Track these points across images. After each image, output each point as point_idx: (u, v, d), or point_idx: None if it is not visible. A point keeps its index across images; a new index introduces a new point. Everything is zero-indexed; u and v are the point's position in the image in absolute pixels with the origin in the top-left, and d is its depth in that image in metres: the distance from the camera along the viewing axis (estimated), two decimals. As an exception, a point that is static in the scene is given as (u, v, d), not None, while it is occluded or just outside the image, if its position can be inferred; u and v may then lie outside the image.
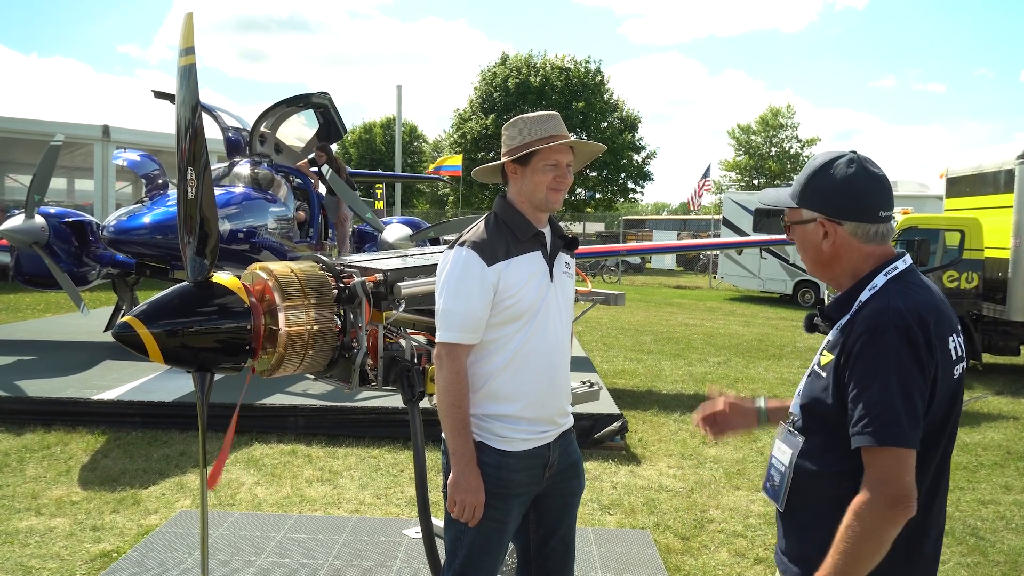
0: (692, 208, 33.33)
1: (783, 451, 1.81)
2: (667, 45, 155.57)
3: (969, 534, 4.82)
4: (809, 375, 1.81)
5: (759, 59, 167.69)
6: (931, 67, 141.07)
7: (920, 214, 11.70)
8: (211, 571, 3.64)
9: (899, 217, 10.47)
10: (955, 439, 1.76)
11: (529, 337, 2.35)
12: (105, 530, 4.40)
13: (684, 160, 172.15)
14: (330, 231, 9.98)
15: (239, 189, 8.59)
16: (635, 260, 31.20)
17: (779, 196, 1.89)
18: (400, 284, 2.86)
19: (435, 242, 8.92)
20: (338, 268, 2.94)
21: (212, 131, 7.56)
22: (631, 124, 39.77)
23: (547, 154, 2.36)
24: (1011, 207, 10.22)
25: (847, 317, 1.72)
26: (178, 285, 2.77)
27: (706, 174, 31.31)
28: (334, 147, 10.82)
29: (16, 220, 8.16)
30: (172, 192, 8.26)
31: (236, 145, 9.70)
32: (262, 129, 9.63)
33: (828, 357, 1.72)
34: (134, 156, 10.38)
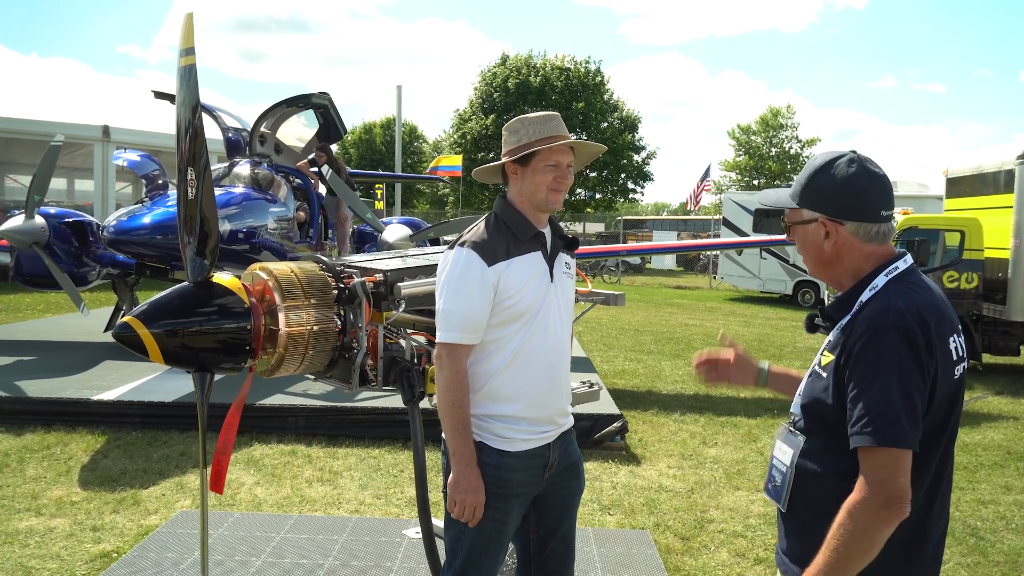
0: (690, 208, 33.34)
1: (784, 451, 1.81)
2: (667, 45, 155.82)
3: (969, 534, 4.82)
4: (810, 375, 1.81)
5: (759, 59, 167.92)
6: (931, 67, 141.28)
7: (920, 214, 11.70)
8: (211, 571, 3.65)
9: (899, 217, 10.48)
10: (956, 439, 1.76)
11: (529, 337, 2.36)
12: (105, 530, 4.40)
13: (684, 160, 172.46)
14: (330, 231, 9.98)
15: (239, 189, 8.59)
16: (635, 260, 31.20)
17: (779, 197, 1.89)
18: (400, 284, 2.86)
19: (435, 242, 8.92)
20: (338, 268, 2.94)
21: (212, 131, 7.55)
22: (631, 124, 39.76)
23: (547, 154, 2.36)
24: (1011, 207, 10.23)
25: (848, 317, 1.72)
26: (178, 285, 2.77)
27: (706, 175, 31.30)
28: (334, 147, 10.82)
29: (16, 220, 8.16)
30: (172, 192, 8.26)
31: (236, 145, 9.70)
32: (262, 129, 9.63)
33: (829, 357, 1.72)
34: (134, 156, 10.37)
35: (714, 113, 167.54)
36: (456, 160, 27.52)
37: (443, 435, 2.34)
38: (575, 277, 2.65)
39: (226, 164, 9.23)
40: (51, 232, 8.20)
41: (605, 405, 6.32)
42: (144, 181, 9.91)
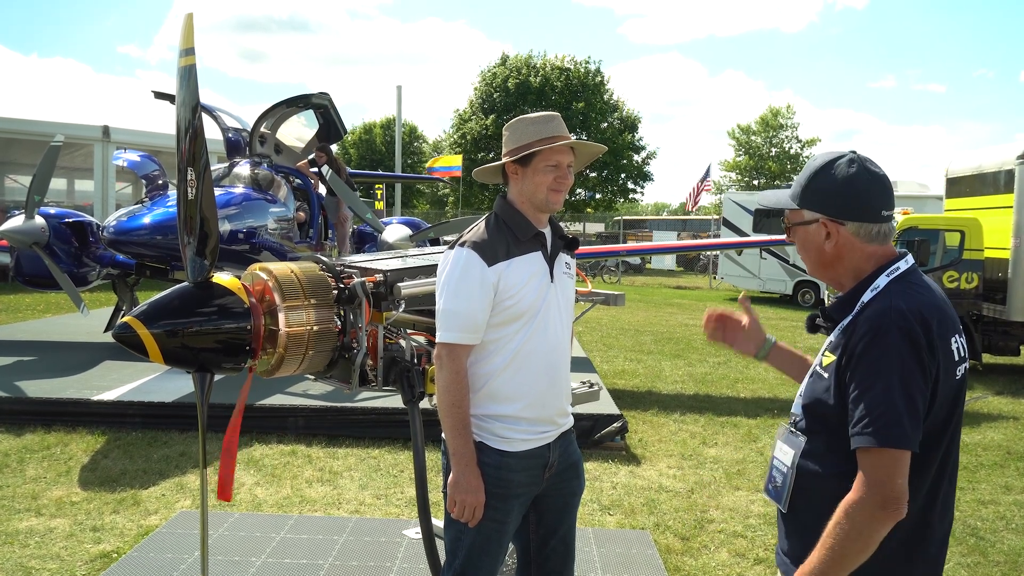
0: (689, 209, 33.35)
1: (785, 452, 1.80)
2: (667, 45, 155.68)
3: (969, 534, 4.82)
4: (811, 376, 1.80)
5: (759, 59, 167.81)
6: (931, 67, 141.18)
7: (920, 214, 11.71)
8: (211, 572, 3.64)
9: (899, 217, 10.48)
10: (959, 440, 1.76)
11: (529, 337, 2.36)
12: (105, 531, 4.40)
13: (684, 160, 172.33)
14: (330, 231, 9.98)
15: (239, 190, 8.59)
16: (635, 260, 31.20)
17: (779, 197, 1.88)
18: (400, 284, 2.86)
19: (435, 242, 8.92)
20: (338, 268, 2.94)
21: (212, 132, 7.56)
22: (631, 124, 39.78)
23: (548, 155, 2.36)
24: (1011, 207, 10.23)
25: (849, 318, 1.72)
26: (178, 286, 2.77)
27: (706, 175, 31.33)
28: (334, 147, 10.82)
29: (16, 221, 8.16)
30: (172, 193, 8.26)
31: (236, 146, 9.70)
32: (262, 130, 9.63)
33: (830, 358, 1.72)
34: (134, 156, 10.37)
35: (714, 113, 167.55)
36: (455, 160, 27.53)
37: (443, 435, 2.34)
38: (575, 277, 2.65)
39: (226, 164, 9.23)
40: (51, 232, 8.20)
41: (605, 405, 6.32)
42: (144, 181, 9.90)
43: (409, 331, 3.03)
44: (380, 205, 24.42)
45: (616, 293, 4.75)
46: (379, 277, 2.88)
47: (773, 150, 43.57)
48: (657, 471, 5.81)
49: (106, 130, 18.69)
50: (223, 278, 2.77)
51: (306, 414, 6.29)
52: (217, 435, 5.96)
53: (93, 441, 5.94)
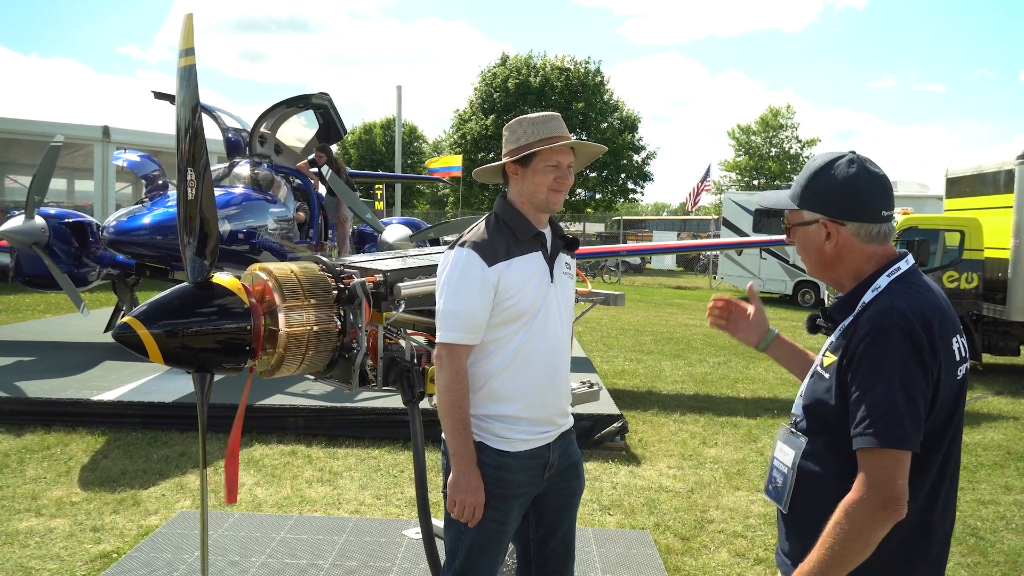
0: (689, 209, 33.37)
1: (785, 452, 1.80)
2: (667, 45, 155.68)
3: (969, 534, 4.82)
4: (811, 376, 1.80)
5: (759, 59, 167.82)
6: (931, 67, 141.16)
7: (920, 214, 11.71)
8: (211, 572, 3.65)
9: (899, 217, 10.48)
10: (960, 440, 1.75)
11: (529, 337, 2.36)
12: (105, 531, 4.40)
13: (684, 160, 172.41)
14: (330, 232, 9.98)
15: (239, 190, 8.59)
16: (635, 260, 31.20)
17: (779, 198, 1.88)
18: (400, 285, 2.86)
19: (435, 243, 8.92)
20: (338, 269, 2.94)
21: (212, 132, 7.56)
22: (631, 124, 39.79)
23: (548, 155, 2.37)
24: (1011, 207, 10.23)
25: (850, 318, 1.72)
26: (178, 286, 2.77)
27: (706, 175, 31.33)
28: (334, 148, 10.82)
29: (16, 221, 8.16)
30: (172, 193, 8.26)
31: (236, 146, 9.70)
32: (262, 130, 9.63)
33: (831, 358, 1.72)
34: (134, 157, 10.37)
35: (714, 113, 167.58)
36: (455, 160, 27.54)
37: (443, 435, 2.34)
38: (575, 277, 2.65)
39: (226, 164, 9.23)
40: (51, 232, 8.20)
41: (605, 405, 6.32)
42: (144, 181, 9.90)
43: (409, 331, 3.03)
44: (380, 205, 24.43)
45: (616, 293, 4.75)
46: (379, 277, 2.88)
47: (773, 150, 43.58)
48: (657, 471, 5.80)
49: (106, 130, 18.69)
50: (223, 278, 2.77)
51: (306, 414, 6.29)
52: (217, 435, 5.98)
53: (93, 441, 5.94)
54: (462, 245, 2.34)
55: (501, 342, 2.35)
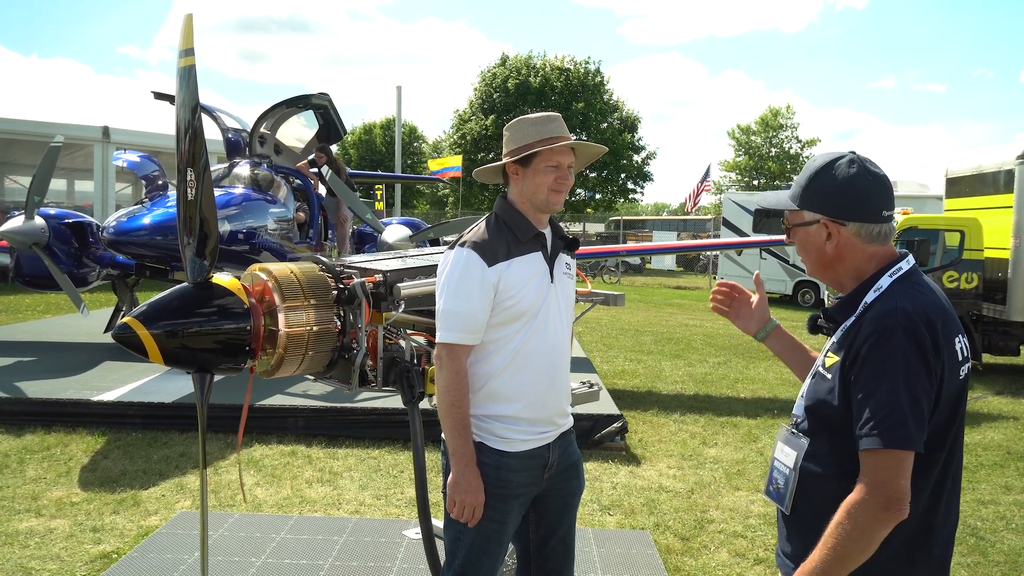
0: (688, 210, 33.38)
1: (786, 453, 1.80)
2: (667, 45, 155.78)
3: (969, 534, 4.82)
4: (813, 376, 1.80)
5: (759, 59, 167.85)
6: (931, 67, 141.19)
7: (920, 214, 11.71)
8: (211, 572, 3.65)
9: (899, 217, 10.48)
10: (962, 440, 1.75)
11: (529, 338, 2.36)
12: (105, 531, 4.40)
13: (684, 160, 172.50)
14: (330, 232, 9.98)
15: (239, 190, 8.59)
16: (635, 261, 31.20)
17: (779, 198, 1.88)
18: (400, 285, 2.86)
19: (435, 243, 8.92)
20: (338, 269, 2.93)
21: (212, 132, 7.57)
22: (631, 124, 39.80)
23: (549, 155, 2.37)
24: (1011, 207, 10.23)
25: (852, 319, 1.72)
26: (178, 286, 2.76)
27: (706, 175, 31.33)
28: (334, 148, 10.82)
29: (16, 221, 8.16)
30: (172, 193, 8.26)
31: (236, 146, 9.70)
32: (262, 130, 9.63)
33: (833, 359, 1.71)
34: (134, 157, 10.37)
35: (714, 113, 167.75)
36: (455, 161, 27.54)
37: (443, 435, 2.34)
38: (575, 278, 2.65)
39: (226, 165, 9.23)
40: (51, 233, 8.20)
41: (605, 405, 6.32)
42: (144, 182, 9.91)
43: (409, 331, 3.03)
44: (380, 205, 24.42)
45: (616, 293, 4.76)
46: (379, 277, 2.88)
47: (773, 150, 43.60)
48: (657, 471, 5.80)
49: (106, 131, 18.68)
50: (223, 279, 2.76)
51: (306, 414, 6.29)
52: (217, 435, 5.98)
53: (93, 442, 5.94)
54: (462, 245, 2.34)
55: (501, 342, 2.35)
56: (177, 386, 6.72)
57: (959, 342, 1.69)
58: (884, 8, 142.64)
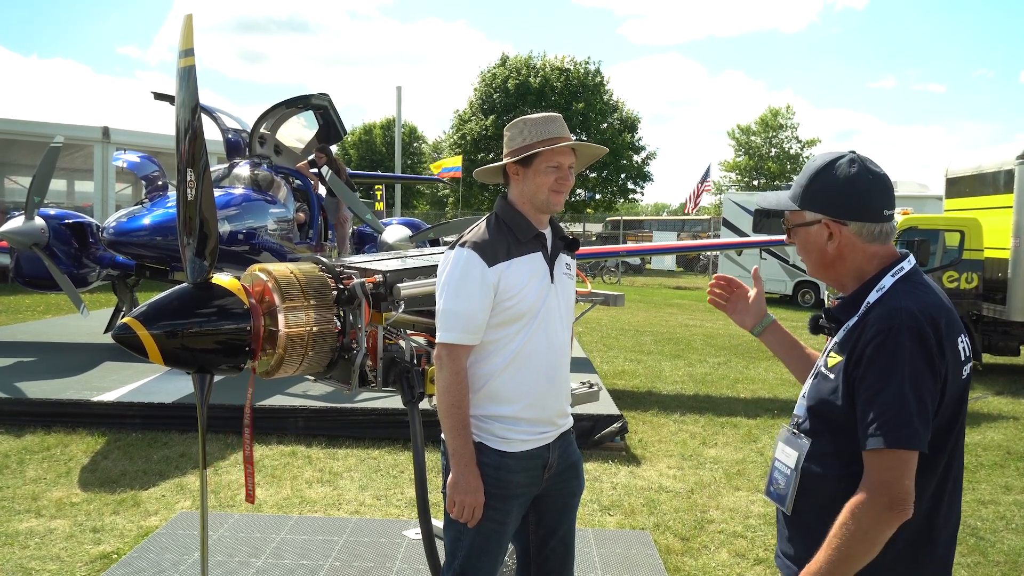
0: (688, 211, 33.40)
1: (788, 454, 1.79)
2: (667, 45, 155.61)
3: (969, 534, 4.82)
4: (815, 376, 1.80)
5: (759, 59, 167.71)
6: (931, 67, 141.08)
7: (920, 214, 11.71)
8: (211, 572, 3.64)
9: (899, 217, 10.48)
10: (963, 440, 1.75)
11: (529, 338, 2.36)
12: (105, 531, 4.40)
13: (684, 160, 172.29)
14: (330, 232, 9.98)
15: (239, 190, 8.59)
16: (635, 261, 31.20)
17: (779, 199, 1.88)
18: (400, 285, 2.86)
19: (435, 243, 8.93)
20: (337, 269, 2.93)
21: (212, 132, 7.57)
22: (631, 125, 39.83)
23: (549, 156, 2.37)
24: (1011, 207, 10.23)
25: (855, 318, 1.72)
26: (178, 287, 2.76)
27: (706, 176, 31.35)
28: (334, 148, 10.83)
29: (16, 222, 8.16)
30: (172, 194, 8.26)
31: (236, 146, 9.70)
32: (262, 130, 9.63)
33: (836, 359, 1.71)
34: (134, 158, 10.38)
35: (714, 113, 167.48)
36: (455, 161, 27.55)
37: (443, 436, 2.34)
38: (575, 278, 2.65)
39: (226, 165, 9.23)
40: (51, 233, 8.20)
41: (605, 406, 6.31)
42: (144, 182, 9.91)
43: (409, 332, 3.03)
44: (380, 206, 24.40)
45: (616, 293, 4.77)
46: (378, 278, 2.88)
47: (773, 150, 43.62)
48: (657, 471, 5.80)
49: (106, 131, 18.68)
50: (223, 279, 2.76)
51: (306, 415, 6.29)
52: (217, 436, 5.98)
53: (93, 442, 5.94)
54: (462, 245, 2.34)
55: (501, 342, 2.35)
56: (177, 386, 6.72)
57: (961, 342, 1.69)
58: (884, 8, 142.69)
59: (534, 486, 2.43)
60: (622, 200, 43.04)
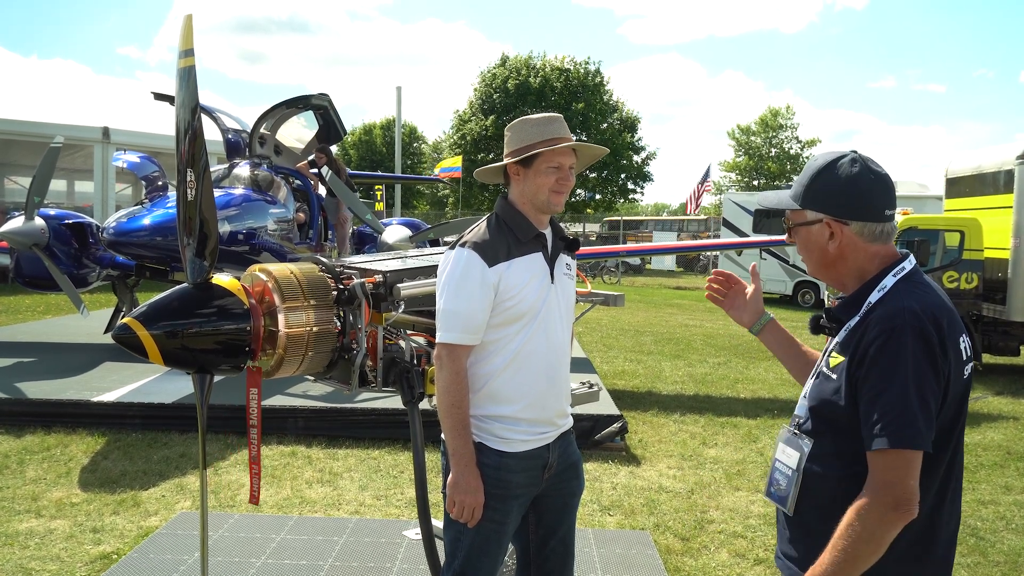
0: (689, 212, 33.40)
1: (789, 455, 1.79)
2: (667, 46, 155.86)
3: (969, 534, 4.82)
4: (816, 377, 1.79)
5: (759, 59, 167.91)
6: (931, 67, 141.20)
7: (920, 214, 11.71)
8: (211, 573, 3.64)
9: (899, 217, 10.47)
10: (963, 439, 1.75)
11: (529, 338, 2.35)
12: (105, 532, 4.39)
13: (684, 161, 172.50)
14: (330, 232, 9.98)
15: (239, 191, 8.59)
16: (635, 261, 31.19)
17: (780, 198, 1.87)
18: (400, 285, 2.86)
19: (435, 243, 8.93)
20: (337, 269, 2.93)
21: (212, 133, 7.57)
22: (631, 125, 39.82)
23: (550, 156, 2.36)
24: (1011, 207, 10.23)
25: (857, 319, 1.71)
26: (178, 287, 2.76)
27: (706, 176, 31.35)
28: (334, 149, 10.82)
29: (16, 222, 8.16)
30: (172, 194, 8.26)
31: (236, 147, 9.70)
32: (262, 131, 9.63)
33: (838, 359, 1.71)
34: (134, 158, 10.37)
35: (714, 113, 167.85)
36: (455, 161, 27.56)
37: (443, 436, 2.34)
38: (575, 278, 2.65)
39: (226, 165, 9.23)
40: (51, 234, 8.20)
41: (605, 406, 6.31)
42: (144, 183, 9.91)
43: (409, 332, 3.03)
44: (380, 206, 24.40)
45: (616, 294, 4.77)
46: (379, 278, 2.88)
47: (773, 150, 43.61)
48: (657, 471, 5.80)
49: (106, 131, 18.68)
50: (223, 279, 2.76)
51: (306, 415, 6.29)
52: (217, 436, 5.98)
53: (93, 442, 5.94)
54: (463, 245, 2.34)
55: (501, 343, 2.35)
56: (177, 387, 6.72)
57: (963, 342, 1.69)
58: (884, 8, 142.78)
59: (534, 486, 2.43)
60: (622, 200, 43.02)
